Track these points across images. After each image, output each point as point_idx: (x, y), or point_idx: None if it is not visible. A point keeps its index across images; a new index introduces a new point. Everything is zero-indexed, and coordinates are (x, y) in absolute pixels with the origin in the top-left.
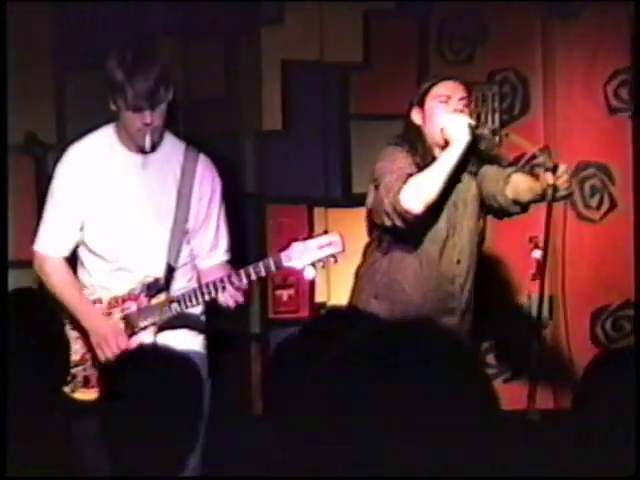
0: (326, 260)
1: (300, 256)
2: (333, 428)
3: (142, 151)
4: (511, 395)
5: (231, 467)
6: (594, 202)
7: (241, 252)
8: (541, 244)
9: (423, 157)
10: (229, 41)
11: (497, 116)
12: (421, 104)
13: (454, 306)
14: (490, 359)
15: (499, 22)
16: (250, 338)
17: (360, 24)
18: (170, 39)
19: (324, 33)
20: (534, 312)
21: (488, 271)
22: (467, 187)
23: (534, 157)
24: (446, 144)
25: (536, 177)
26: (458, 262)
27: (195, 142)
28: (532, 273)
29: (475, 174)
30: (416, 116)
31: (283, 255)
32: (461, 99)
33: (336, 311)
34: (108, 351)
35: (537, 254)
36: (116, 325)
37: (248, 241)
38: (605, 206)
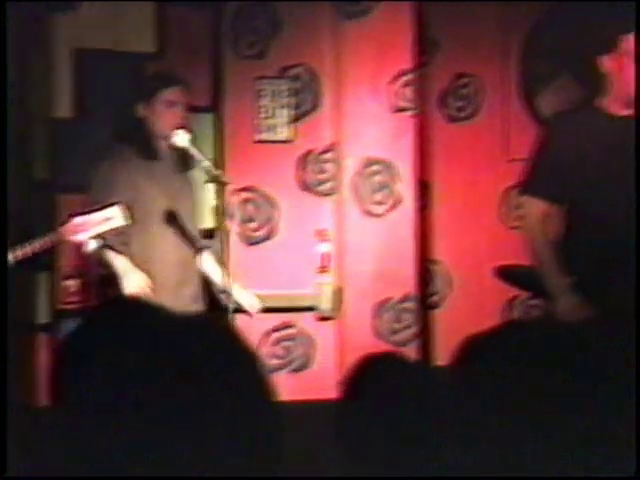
0: (108, 233)
1: (81, 230)
2: (126, 417)
3: None
4: (299, 385)
5: (13, 458)
6: (379, 198)
7: (30, 238)
8: (328, 238)
9: (144, 149)
10: (20, 27)
11: (288, 111)
12: (150, 101)
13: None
14: (279, 350)
15: (291, 18)
16: (37, 329)
17: (154, 14)
18: None
19: (118, 22)
20: (322, 304)
21: (275, 262)
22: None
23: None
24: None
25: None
26: None
27: None
28: (320, 266)
29: None
30: (143, 111)
31: (64, 229)
32: (183, 106)
33: (122, 299)
34: None
35: (324, 247)
36: None
37: (37, 228)
38: (389, 202)
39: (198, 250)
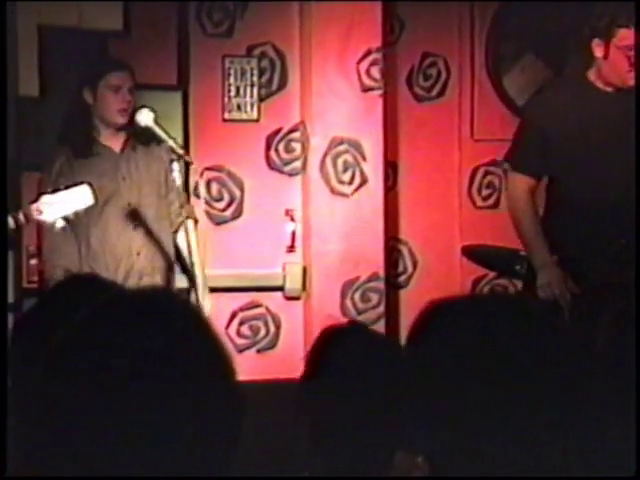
0: (75, 212)
1: (49, 209)
2: (79, 398)
3: None
4: (265, 365)
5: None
6: (346, 177)
7: None
8: (296, 217)
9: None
10: None
11: (255, 90)
12: (94, 89)
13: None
14: (245, 330)
15: None
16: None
17: None
18: None
19: None
20: (289, 283)
21: (242, 241)
22: None
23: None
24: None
25: None
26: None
27: None
28: (287, 245)
29: None
30: (88, 96)
31: (33, 207)
32: (129, 89)
33: (77, 277)
34: None
35: (291, 227)
36: None
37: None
38: (357, 181)
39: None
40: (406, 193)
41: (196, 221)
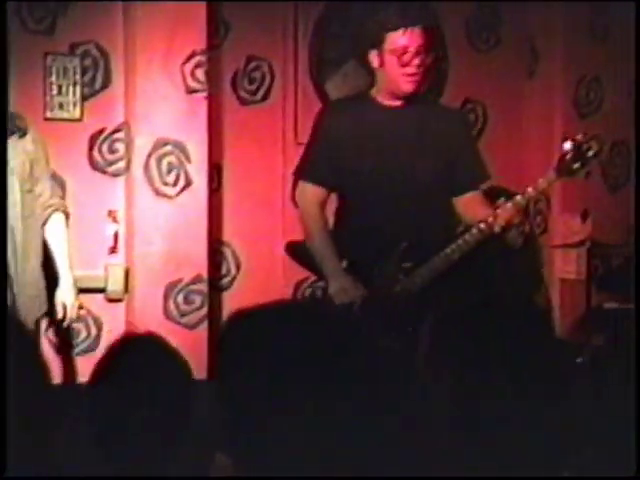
0: None
1: None
2: None
3: None
4: (87, 368)
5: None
6: (170, 179)
7: None
8: (119, 218)
9: None
10: None
11: (78, 89)
12: None
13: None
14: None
15: None
16: None
17: None
18: None
19: None
20: (111, 285)
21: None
22: None
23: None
24: None
25: None
26: None
27: None
28: (110, 246)
29: None
30: None
31: None
32: None
33: None
34: None
35: (114, 228)
36: None
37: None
38: (181, 183)
39: None
40: (230, 195)
41: (67, 214)
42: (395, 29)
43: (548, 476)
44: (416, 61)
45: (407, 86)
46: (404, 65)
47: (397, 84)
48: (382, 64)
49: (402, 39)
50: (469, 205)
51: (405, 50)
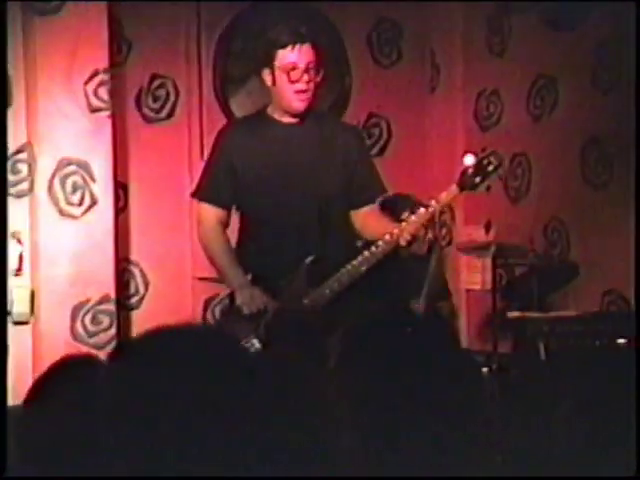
0: None
1: None
2: None
3: None
4: None
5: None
6: (75, 199)
7: None
8: (23, 240)
9: None
10: None
11: None
12: None
13: None
14: None
15: None
16: None
17: None
18: None
19: None
20: (16, 307)
21: None
22: None
23: (18, 152)
24: None
25: None
26: None
27: None
28: (14, 269)
29: None
30: None
31: None
32: None
33: None
34: None
35: (18, 250)
36: None
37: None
38: (86, 203)
39: None
40: (137, 214)
41: None
42: (284, 46)
43: (548, 476)
44: (305, 77)
45: (297, 104)
46: (294, 82)
47: (288, 102)
48: (274, 82)
49: (291, 55)
50: (367, 219)
51: (294, 66)
